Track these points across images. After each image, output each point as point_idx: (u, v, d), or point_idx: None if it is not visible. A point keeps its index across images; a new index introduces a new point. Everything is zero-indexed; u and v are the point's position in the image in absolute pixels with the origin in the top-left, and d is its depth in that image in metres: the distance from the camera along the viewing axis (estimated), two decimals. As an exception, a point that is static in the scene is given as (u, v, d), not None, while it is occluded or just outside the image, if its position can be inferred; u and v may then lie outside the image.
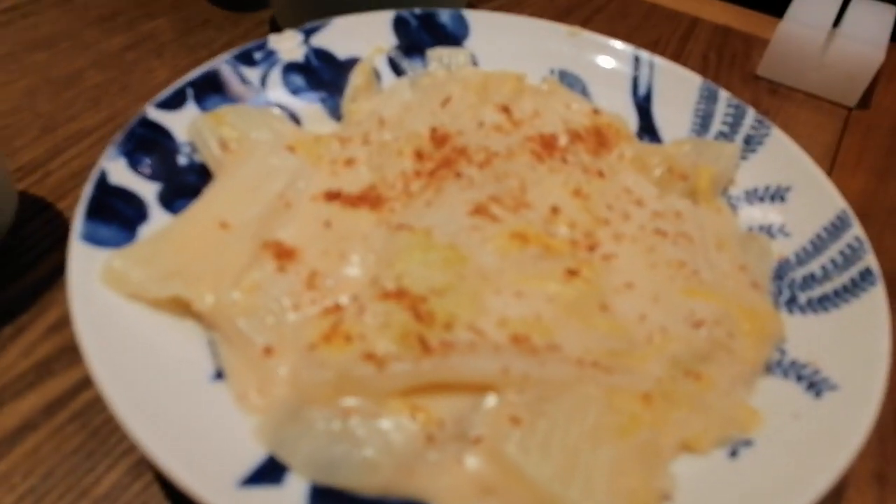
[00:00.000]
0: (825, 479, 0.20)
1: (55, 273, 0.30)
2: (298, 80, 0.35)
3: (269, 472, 0.20)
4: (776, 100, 0.46)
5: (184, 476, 0.19)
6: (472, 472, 0.21)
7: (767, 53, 0.46)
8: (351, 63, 0.36)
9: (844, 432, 0.21)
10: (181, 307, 0.24)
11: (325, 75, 0.35)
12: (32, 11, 0.45)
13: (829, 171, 0.41)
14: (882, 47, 0.44)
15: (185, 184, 0.29)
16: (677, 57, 0.48)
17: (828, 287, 0.27)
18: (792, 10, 0.47)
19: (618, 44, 0.38)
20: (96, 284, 0.23)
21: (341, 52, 0.36)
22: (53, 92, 0.39)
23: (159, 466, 0.19)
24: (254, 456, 0.20)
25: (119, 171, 0.27)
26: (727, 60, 0.49)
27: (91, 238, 0.25)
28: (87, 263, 0.24)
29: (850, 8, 0.47)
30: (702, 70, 0.48)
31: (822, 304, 0.26)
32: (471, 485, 0.21)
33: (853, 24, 0.46)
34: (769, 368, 0.25)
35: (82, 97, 0.39)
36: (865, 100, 0.46)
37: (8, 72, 0.40)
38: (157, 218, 0.27)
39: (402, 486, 0.20)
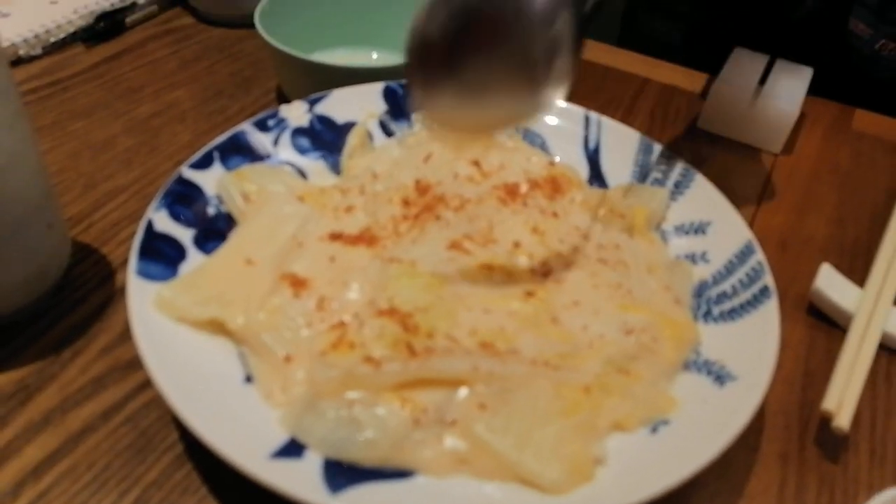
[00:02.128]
0: (721, 445, 0.26)
1: (103, 306, 0.36)
2: (304, 141, 0.41)
3: (292, 449, 0.26)
4: (714, 148, 0.53)
5: (229, 452, 0.24)
6: (449, 447, 0.27)
7: (704, 109, 0.54)
8: (348, 126, 0.43)
9: (739, 411, 0.27)
10: (217, 327, 0.30)
11: (326, 137, 0.42)
12: (71, 86, 0.52)
13: (757, 208, 0.48)
14: (798, 104, 0.52)
15: (214, 229, 0.35)
16: (629, 112, 0.56)
17: (735, 301, 0.33)
18: (724, 72, 0.55)
19: (572, 106, 0.45)
20: (150, 310, 0.29)
21: (340, 117, 0.43)
22: (92, 155, 0.46)
23: (209, 445, 0.25)
24: (279, 438, 0.26)
25: (162, 220, 0.34)
26: (672, 115, 0.56)
27: (143, 273, 0.31)
28: (141, 293, 0.30)
29: (774, 69, 0.55)
30: (650, 123, 0.55)
31: (731, 315, 0.33)
32: (449, 457, 0.26)
33: (775, 84, 0.54)
34: (686, 366, 0.31)
35: (117, 159, 0.46)
36: (789, 147, 0.53)
37: (54, 138, 0.47)
38: (194, 257, 0.33)
39: (395, 459, 0.26)
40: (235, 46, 0.59)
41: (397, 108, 0.44)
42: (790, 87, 0.53)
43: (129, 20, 0.59)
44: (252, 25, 0.50)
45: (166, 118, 0.50)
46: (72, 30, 0.57)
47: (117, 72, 0.54)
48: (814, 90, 0.56)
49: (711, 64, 0.59)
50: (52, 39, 0.55)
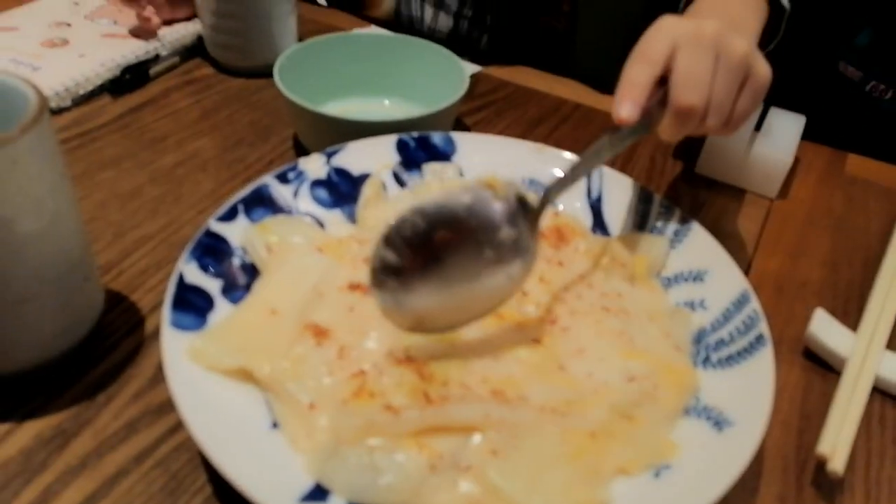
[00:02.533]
0: (721, 489, 0.28)
1: (134, 352, 0.38)
2: (322, 193, 0.44)
3: (318, 493, 0.28)
4: (711, 193, 0.55)
5: (259, 495, 0.26)
6: (464, 492, 0.28)
7: (702, 155, 0.56)
8: (363, 178, 0.45)
9: (737, 456, 0.29)
10: (245, 375, 0.32)
11: (343, 189, 0.44)
12: (99, 136, 0.55)
13: (754, 253, 0.50)
14: (792, 151, 0.54)
15: (240, 280, 0.37)
16: (630, 158, 0.58)
17: (732, 349, 0.35)
18: (720, 120, 0.57)
19: (572, 157, 0.47)
20: (183, 359, 0.31)
21: (355, 169, 0.45)
22: (120, 204, 0.48)
23: (240, 489, 0.26)
24: (306, 482, 0.28)
25: (192, 272, 0.36)
26: (671, 161, 0.59)
27: (176, 324, 0.33)
28: (174, 344, 0.32)
29: (768, 117, 0.58)
30: (650, 169, 0.57)
31: (728, 361, 0.34)
32: (463, 501, 0.28)
33: (770, 131, 0.56)
34: (687, 411, 0.33)
35: (144, 208, 0.48)
36: (784, 191, 0.56)
37: (84, 188, 0.49)
38: (222, 307, 0.35)
39: (413, 503, 0.28)
40: (254, 96, 0.62)
41: (409, 159, 0.46)
42: (784, 134, 0.56)
43: (152, 71, 0.63)
44: (268, 75, 0.53)
45: (189, 167, 0.53)
46: (99, 82, 0.60)
47: (142, 122, 0.57)
48: (808, 135, 0.58)
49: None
50: (81, 92, 0.58)
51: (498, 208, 0.33)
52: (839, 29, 0.69)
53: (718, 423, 0.31)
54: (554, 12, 0.75)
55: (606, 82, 0.90)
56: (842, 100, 0.71)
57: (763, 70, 0.39)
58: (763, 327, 0.35)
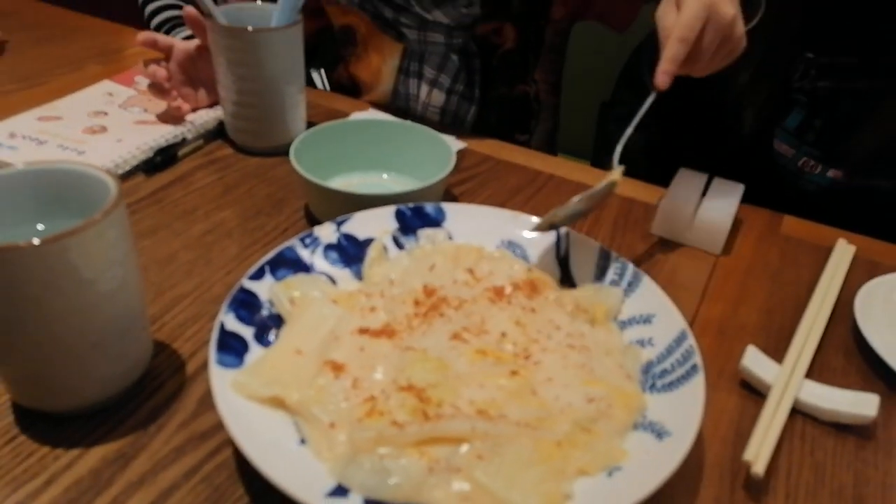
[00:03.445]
0: (660, 481, 0.35)
1: (178, 390, 0.45)
2: (334, 255, 0.52)
3: (340, 491, 0.35)
4: (665, 251, 0.64)
5: (295, 491, 0.33)
6: (456, 489, 0.35)
7: (656, 218, 0.66)
8: (368, 242, 0.53)
9: (672, 457, 0.37)
10: (278, 402, 0.39)
11: (351, 251, 0.53)
12: (137, 210, 0.63)
13: (701, 300, 0.58)
14: (731, 214, 0.63)
15: (268, 327, 0.45)
16: (596, 221, 0.67)
17: (673, 376, 0.43)
18: (671, 188, 0.67)
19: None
20: (228, 391, 0.39)
21: (361, 234, 0.54)
22: (159, 268, 0.56)
23: (281, 488, 0.33)
24: (330, 483, 0.35)
25: (230, 322, 0.44)
26: (631, 223, 0.68)
27: (220, 363, 0.40)
28: (220, 378, 0.39)
29: (712, 185, 0.68)
30: (613, 230, 0.67)
31: (669, 386, 0.42)
32: (456, 496, 0.35)
33: (713, 198, 0.66)
34: (635, 426, 0.40)
35: (179, 270, 0.56)
36: (728, 248, 0.65)
37: (127, 254, 0.57)
38: (255, 349, 0.43)
39: (416, 498, 0.35)
40: (269, 172, 0.71)
41: (406, 226, 0.55)
42: (725, 201, 0.65)
43: (180, 153, 0.72)
44: (281, 154, 0.62)
45: (216, 235, 0.61)
46: (135, 163, 0.69)
47: (173, 197, 0.66)
48: (749, 199, 0.68)
49: (662, 176, 0.71)
50: (120, 172, 0.67)
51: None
52: (774, 111, 0.80)
53: (660, 434, 0.39)
54: (529, 82, 0.86)
55: (588, 142, 1.01)
56: (778, 172, 0.81)
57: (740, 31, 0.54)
58: (697, 359, 0.43)
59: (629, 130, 0.56)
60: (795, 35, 0.75)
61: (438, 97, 0.84)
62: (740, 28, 0.54)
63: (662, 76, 0.53)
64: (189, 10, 0.72)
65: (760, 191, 0.72)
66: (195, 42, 0.74)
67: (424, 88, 0.84)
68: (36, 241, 0.36)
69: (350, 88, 0.92)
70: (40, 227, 0.42)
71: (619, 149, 0.57)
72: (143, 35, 0.73)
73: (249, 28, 0.68)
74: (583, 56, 1.13)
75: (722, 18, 0.52)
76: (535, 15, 0.82)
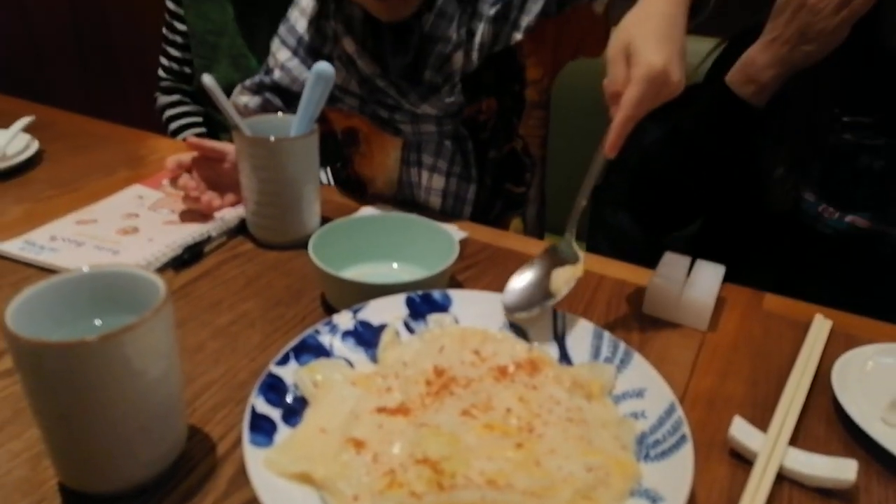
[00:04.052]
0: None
1: (210, 470, 0.49)
2: (351, 340, 0.57)
3: (365, 558, 0.38)
4: (655, 328, 0.69)
5: (324, 558, 0.37)
6: (470, 554, 0.39)
7: (645, 299, 0.71)
8: (382, 327, 0.59)
9: (666, 520, 0.40)
10: (305, 477, 0.43)
11: (366, 336, 0.58)
12: (168, 302, 0.69)
13: (691, 374, 0.63)
14: (714, 293, 0.69)
15: (294, 409, 0.50)
16: (590, 303, 0.73)
17: (665, 446, 0.47)
18: (657, 270, 0.73)
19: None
20: (261, 467, 0.43)
21: (375, 321, 0.59)
22: (189, 356, 0.61)
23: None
24: (355, 551, 0.39)
25: (260, 404, 0.48)
26: (624, 303, 0.73)
27: (253, 442, 0.45)
28: (253, 456, 0.44)
29: (694, 267, 0.73)
30: (606, 311, 0.72)
31: (662, 455, 0.46)
32: (470, 561, 0.39)
33: (696, 279, 0.71)
34: (631, 493, 0.44)
35: (207, 358, 0.61)
36: (714, 325, 0.70)
37: (160, 344, 0.62)
38: (283, 429, 0.47)
39: (434, 564, 0.38)
40: (287, 265, 0.77)
41: (416, 312, 0.60)
42: (708, 281, 0.71)
43: (206, 249, 0.78)
44: (297, 247, 0.68)
45: (241, 325, 0.66)
46: (165, 260, 0.75)
47: (200, 290, 0.72)
48: (731, 278, 0.74)
49: (651, 259, 0.77)
50: (152, 268, 0.73)
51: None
52: (800, 161, 0.87)
53: (655, 500, 0.43)
54: (514, 139, 0.94)
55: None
56: (799, 216, 0.87)
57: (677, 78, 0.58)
58: (685, 429, 0.47)
59: (581, 202, 0.62)
60: (829, 95, 0.83)
61: (439, 181, 0.92)
62: (682, 85, 0.59)
63: (612, 149, 0.59)
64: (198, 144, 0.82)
65: (780, 233, 0.77)
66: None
67: (425, 175, 0.92)
68: (97, 338, 0.41)
69: (356, 184, 1.00)
70: (98, 322, 0.47)
71: (573, 221, 0.62)
72: (172, 164, 0.81)
73: (271, 138, 0.76)
74: (570, 112, 1.20)
75: (670, 89, 0.58)
76: (509, 83, 0.90)
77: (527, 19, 0.82)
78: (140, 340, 0.43)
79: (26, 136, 1.04)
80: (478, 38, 0.82)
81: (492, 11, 0.82)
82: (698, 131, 0.86)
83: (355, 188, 0.99)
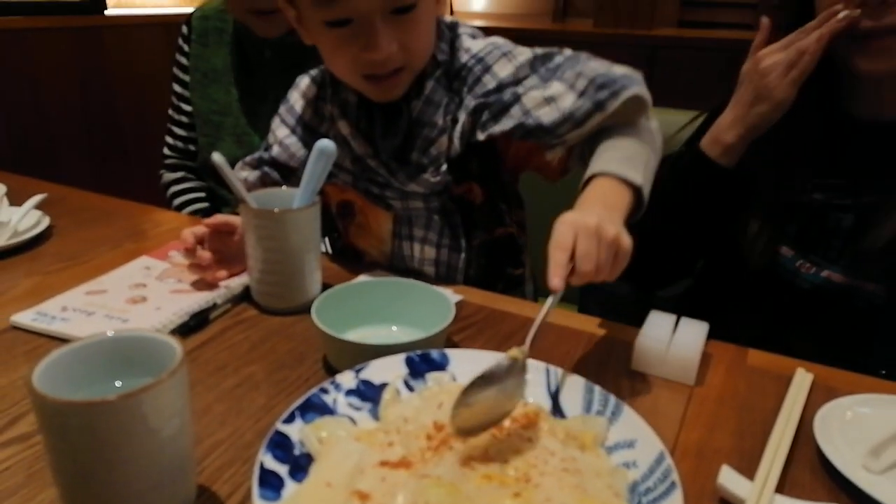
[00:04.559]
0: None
1: (218, 528, 0.51)
2: (354, 398, 0.60)
3: None
4: (644, 384, 0.72)
5: None
6: None
7: (634, 355, 0.74)
8: (383, 386, 0.61)
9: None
10: (313, 530, 0.45)
11: (368, 394, 0.60)
12: (176, 367, 0.71)
13: (680, 427, 0.65)
14: (699, 349, 0.72)
15: (300, 465, 0.52)
16: (582, 359, 0.76)
17: (656, 493, 0.49)
18: (644, 328, 0.76)
19: (536, 363, 0.65)
20: (270, 520, 0.45)
21: (376, 380, 0.62)
22: (197, 419, 0.63)
23: None
24: None
25: (268, 461, 0.50)
26: (613, 360, 0.76)
27: (262, 497, 0.47)
28: (262, 510, 0.46)
29: (679, 325, 0.77)
30: (597, 367, 0.75)
31: (653, 502, 0.48)
32: None
33: (681, 336, 0.75)
34: (626, 538, 0.46)
35: (214, 420, 0.63)
36: (701, 380, 0.73)
37: (168, 407, 0.64)
38: (290, 485, 0.49)
39: None
40: (289, 330, 0.80)
41: (415, 371, 0.63)
42: (693, 337, 0.74)
43: (211, 316, 0.82)
44: (299, 313, 0.71)
45: (246, 388, 0.69)
46: (172, 327, 0.78)
47: (206, 355, 0.74)
48: (716, 334, 0.77)
49: (638, 318, 0.80)
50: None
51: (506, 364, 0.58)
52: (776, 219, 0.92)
53: (647, 543, 0.45)
54: (506, 224, 0.99)
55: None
56: (777, 270, 0.91)
57: (627, 243, 0.64)
58: (674, 477, 0.50)
59: (537, 321, 0.62)
60: (801, 159, 0.89)
61: (430, 252, 0.96)
62: (625, 238, 0.64)
63: (555, 282, 0.61)
64: (210, 223, 0.87)
65: (761, 288, 0.81)
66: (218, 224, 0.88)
67: (417, 247, 0.97)
68: (117, 396, 0.44)
69: (352, 254, 1.04)
70: (118, 384, 0.50)
71: (530, 337, 0.62)
72: (188, 236, 0.86)
73: (276, 210, 0.81)
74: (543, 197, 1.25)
75: (607, 237, 0.62)
76: (492, 171, 0.96)
77: (494, 128, 0.87)
78: (157, 399, 0.46)
79: (37, 213, 1.09)
80: (459, 127, 0.89)
81: (473, 104, 0.88)
82: (676, 192, 0.92)
83: (351, 258, 1.04)
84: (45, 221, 1.07)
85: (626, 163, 0.75)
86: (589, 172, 0.76)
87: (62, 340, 0.73)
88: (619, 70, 0.83)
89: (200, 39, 1.32)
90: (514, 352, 0.60)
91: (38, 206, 1.09)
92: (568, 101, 0.82)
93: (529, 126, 0.83)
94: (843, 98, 0.89)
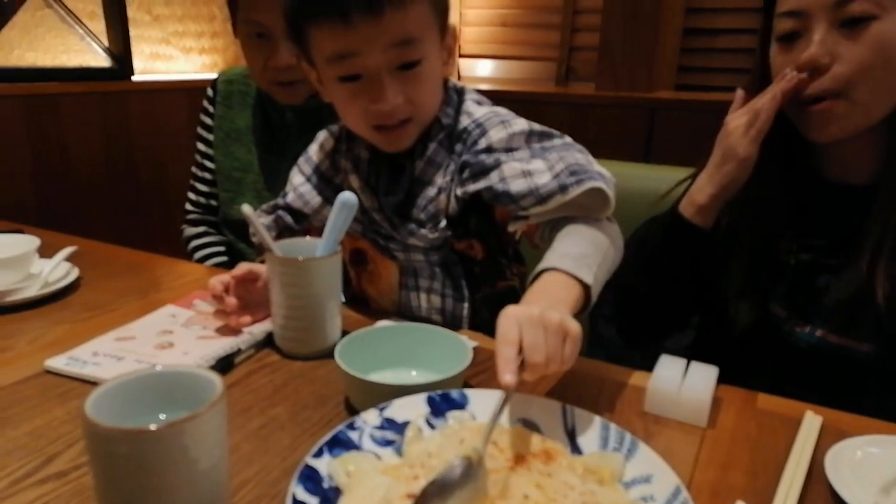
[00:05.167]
0: None
1: (249, 559, 0.52)
2: (378, 434, 0.62)
3: None
4: (658, 426, 0.74)
5: None
6: None
7: (646, 398, 0.76)
8: (406, 424, 0.64)
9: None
10: (344, 556, 0.47)
11: (392, 431, 0.63)
12: (204, 409, 0.74)
13: (694, 468, 0.67)
14: (710, 392, 0.74)
15: (329, 498, 0.54)
16: (594, 403, 0.78)
17: (673, 524, 0.51)
18: (655, 372, 0.78)
19: (552, 402, 0.67)
20: (304, 546, 0.47)
21: (399, 418, 0.64)
22: (225, 456, 0.65)
23: None
24: None
25: (300, 493, 0.53)
26: (626, 403, 0.78)
27: (295, 526, 0.49)
28: (296, 537, 0.48)
29: (689, 369, 0.79)
30: (611, 410, 0.77)
31: (671, 532, 0.50)
32: None
33: (692, 379, 0.77)
34: (646, 566, 0.47)
35: (242, 459, 0.65)
36: (713, 422, 0.74)
37: (198, 446, 0.67)
38: (320, 515, 0.51)
39: None
40: (311, 373, 0.83)
41: (436, 410, 0.66)
42: (703, 381, 0.77)
43: (236, 361, 0.85)
44: (320, 357, 0.74)
45: (271, 428, 0.71)
46: (199, 370, 0.81)
47: (232, 397, 0.77)
48: (747, 358, 0.79)
49: (649, 364, 0.83)
50: (187, 378, 0.79)
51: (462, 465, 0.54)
52: (767, 279, 0.95)
53: (667, 571, 0.46)
54: (509, 278, 1.03)
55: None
56: (773, 331, 0.94)
57: (575, 328, 0.64)
58: (691, 508, 0.51)
59: (491, 422, 0.60)
60: (780, 217, 0.93)
61: (436, 301, 1.00)
62: (573, 324, 0.64)
63: (507, 378, 0.60)
64: (237, 275, 0.91)
65: (759, 349, 0.83)
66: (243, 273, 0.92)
67: (423, 297, 1.01)
68: (162, 426, 0.47)
69: (361, 301, 1.08)
70: (162, 416, 0.53)
71: (486, 439, 0.58)
72: (217, 284, 0.90)
73: (300, 258, 0.85)
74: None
75: (552, 325, 0.63)
76: (491, 230, 1.00)
77: (470, 186, 0.91)
78: (198, 430, 0.49)
79: (67, 265, 1.13)
80: (453, 185, 0.94)
81: (461, 161, 0.94)
82: (657, 251, 0.96)
83: (361, 304, 1.07)
84: (75, 273, 1.11)
85: (579, 260, 0.77)
86: (540, 267, 0.79)
87: (94, 384, 0.76)
88: (597, 168, 0.88)
89: (225, 101, 1.40)
90: (470, 452, 0.56)
91: (68, 259, 1.13)
92: (541, 179, 0.86)
93: (498, 190, 0.88)
94: (816, 162, 0.94)
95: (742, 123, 0.88)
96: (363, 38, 0.84)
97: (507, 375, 0.59)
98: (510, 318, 0.64)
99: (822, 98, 0.85)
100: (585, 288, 0.76)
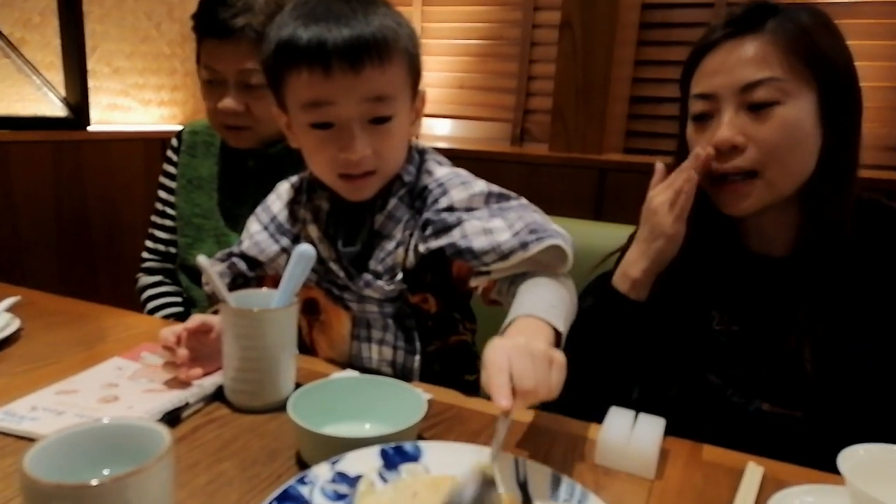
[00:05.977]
0: None
1: None
2: (329, 488, 0.61)
3: None
4: (608, 477, 0.75)
5: None
6: None
7: (596, 450, 0.78)
8: (358, 478, 0.63)
9: None
10: None
11: (344, 485, 0.62)
12: (148, 465, 0.71)
13: (643, 519, 0.68)
14: (657, 444, 0.76)
15: (278, 554, 0.53)
16: (547, 454, 0.78)
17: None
18: (604, 424, 0.80)
19: (505, 454, 0.68)
20: None
21: (352, 471, 0.64)
22: (169, 514, 0.63)
23: None
24: None
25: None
26: (578, 455, 0.79)
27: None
28: None
29: (637, 421, 0.81)
30: (563, 462, 0.77)
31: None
32: None
33: (640, 431, 0.79)
34: None
35: (187, 516, 0.63)
36: (660, 473, 0.76)
37: None
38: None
39: None
40: (261, 427, 0.82)
41: (389, 463, 0.66)
42: (650, 434, 0.79)
43: (183, 415, 0.82)
44: (271, 411, 0.73)
45: (218, 484, 0.69)
46: (145, 424, 0.78)
47: (179, 452, 0.75)
48: (688, 424, 0.81)
49: (599, 416, 0.84)
50: (132, 432, 0.77)
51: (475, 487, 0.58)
52: (701, 351, 0.99)
53: None
54: (461, 332, 1.04)
55: None
56: (710, 399, 0.96)
57: (559, 356, 0.68)
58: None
59: (497, 443, 0.64)
60: (709, 291, 0.98)
61: (387, 353, 1.01)
62: (556, 352, 0.69)
63: (504, 402, 0.62)
64: (190, 326, 0.90)
65: (698, 417, 0.86)
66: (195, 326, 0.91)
67: (374, 348, 1.01)
68: (106, 480, 0.46)
69: (313, 351, 1.08)
70: (106, 472, 0.52)
71: (494, 454, 0.63)
72: (169, 335, 0.89)
73: (255, 309, 0.85)
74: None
75: (538, 353, 0.67)
76: (446, 286, 1.02)
77: (432, 242, 0.94)
78: (142, 486, 0.48)
79: (8, 315, 1.09)
80: (413, 240, 0.97)
81: (423, 219, 0.96)
82: (594, 324, 0.98)
83: (311, 354, 1.07)
84: (16, 324, 1.07)
85: (551, 309, 0.82)
86: (514, 314, 0.82)
87: (31, 440, 0.73)
88: (555, 227, 0.93)
89: (189, 150, 1.42)
90: (484, 466, 0.60)
91: (9, 310, 1.10)
92: (502, 237, 0.90)
93: (460, 247, 0.92)
94: (738, 235, 1.00)
95: (665, 201, 0.93)
96: (340, 89, 0.88)
97: (504, 400, 0.62)
98: (498, 348, 0.67)
99: (736, 175, 0.90)
100: (557, 335, 0.79)
